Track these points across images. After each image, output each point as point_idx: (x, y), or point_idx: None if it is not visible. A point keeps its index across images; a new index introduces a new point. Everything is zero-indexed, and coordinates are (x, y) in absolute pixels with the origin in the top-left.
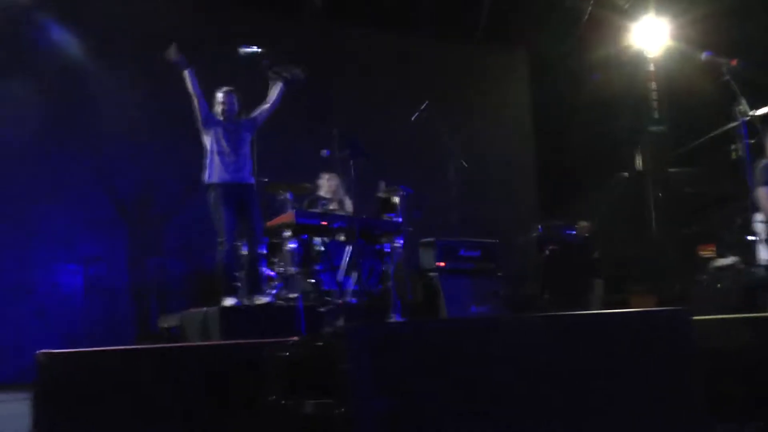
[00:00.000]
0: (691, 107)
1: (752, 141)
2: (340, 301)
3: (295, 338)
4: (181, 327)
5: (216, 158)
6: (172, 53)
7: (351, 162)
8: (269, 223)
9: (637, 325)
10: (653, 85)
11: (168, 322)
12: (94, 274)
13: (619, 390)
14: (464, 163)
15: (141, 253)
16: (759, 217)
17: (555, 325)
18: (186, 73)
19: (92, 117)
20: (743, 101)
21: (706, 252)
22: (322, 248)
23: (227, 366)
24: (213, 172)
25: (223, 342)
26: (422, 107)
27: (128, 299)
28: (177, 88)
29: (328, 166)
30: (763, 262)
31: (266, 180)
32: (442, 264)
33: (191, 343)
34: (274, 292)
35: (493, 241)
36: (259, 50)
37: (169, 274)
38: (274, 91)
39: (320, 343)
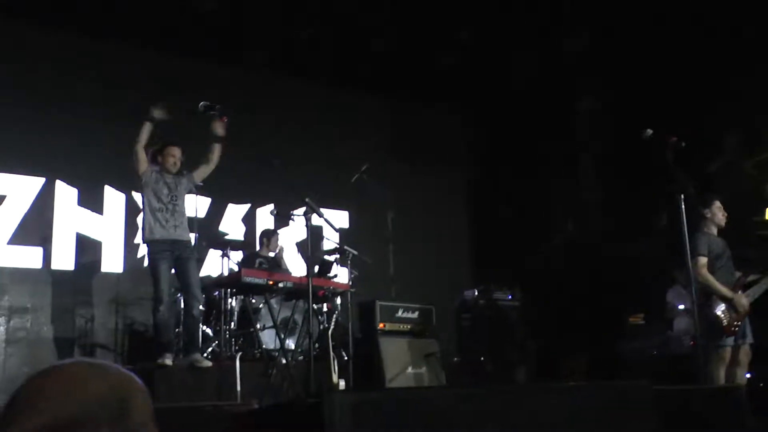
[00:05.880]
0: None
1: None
2: (283, 361)
3: (255, 402)
4: None
5: (155, 215)
6: (159, 110)
7: (307, 223)
8: (214, 280)
9: (603, 396)
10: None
11: None
12: (19, 325)
13: None
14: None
15: (69, 304)
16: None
17: (524, 394)
18: (148, 125)
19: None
20: (682, 175)
21: (635, 319)
22: (262, 306)
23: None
24: (150, 228)
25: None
26: (363, 169)
27: (52, 353)
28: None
29: (270, 224)
30: (682, 333)
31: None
32: (382, 325)
33: None
34: (210, 350)
35: (430, 305)
36: (217, 106)
37: (98, 328)
38: (215, 151)
39: (297, 409)
